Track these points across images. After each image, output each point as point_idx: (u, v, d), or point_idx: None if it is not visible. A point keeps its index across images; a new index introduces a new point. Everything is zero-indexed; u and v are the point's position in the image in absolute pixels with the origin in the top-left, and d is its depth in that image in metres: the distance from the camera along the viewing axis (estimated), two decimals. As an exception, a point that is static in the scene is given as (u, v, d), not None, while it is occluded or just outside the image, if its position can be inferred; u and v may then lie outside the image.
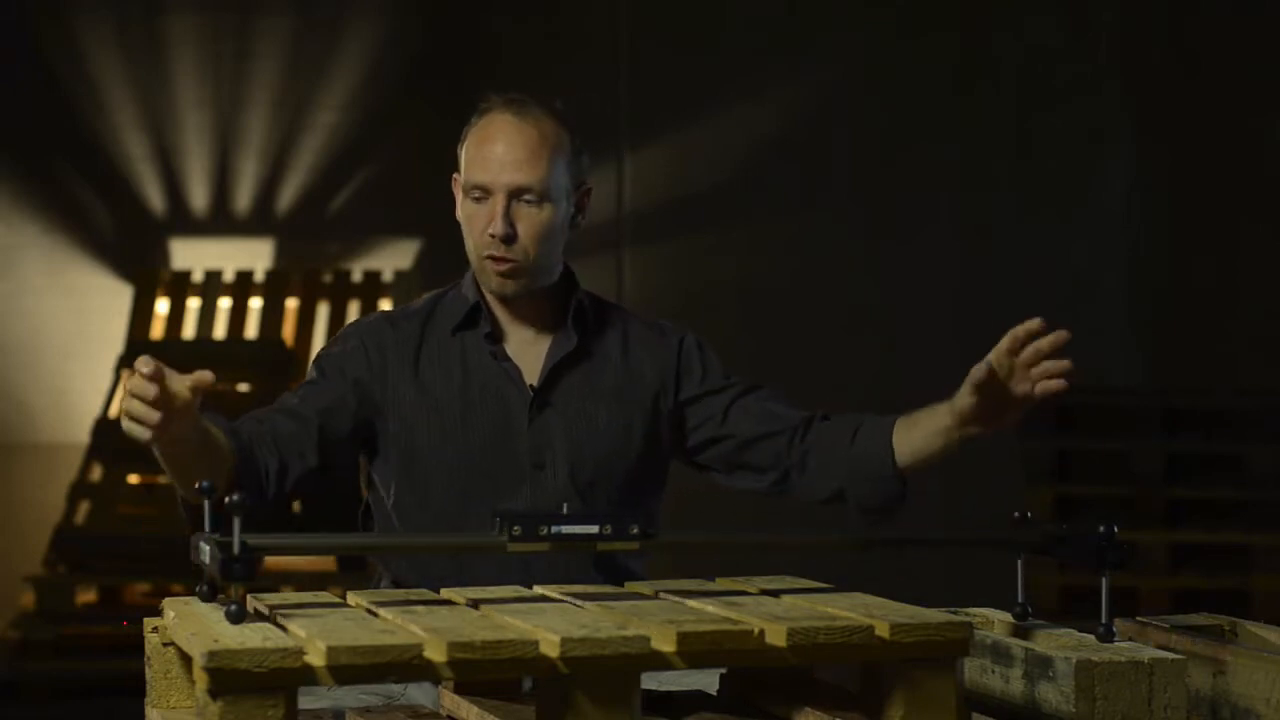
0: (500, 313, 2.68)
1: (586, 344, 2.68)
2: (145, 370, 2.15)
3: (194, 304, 6.69)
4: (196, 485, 1.98)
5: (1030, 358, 2.39)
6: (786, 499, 2.73)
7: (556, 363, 2.65)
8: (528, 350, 2.67)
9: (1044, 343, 2.38)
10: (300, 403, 2.60)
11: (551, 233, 2.62)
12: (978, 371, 2.40)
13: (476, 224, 2.63)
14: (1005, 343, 2.39)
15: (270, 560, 5.69)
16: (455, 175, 2.70)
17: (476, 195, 2.62)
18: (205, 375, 2.19)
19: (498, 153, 2.60)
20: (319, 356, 2.68)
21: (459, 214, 2.68)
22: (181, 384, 2.19)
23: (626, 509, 2.54)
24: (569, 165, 2.64)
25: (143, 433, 2.19)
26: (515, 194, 2.60)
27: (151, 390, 2.16)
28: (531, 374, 2.65)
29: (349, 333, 2.70)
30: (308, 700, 2.19)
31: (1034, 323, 2.38)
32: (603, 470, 2.63)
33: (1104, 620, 2.09)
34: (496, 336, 2.67)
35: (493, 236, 2.60)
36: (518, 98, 2.65)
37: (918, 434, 2.57)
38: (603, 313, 2.74)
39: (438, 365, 2.64)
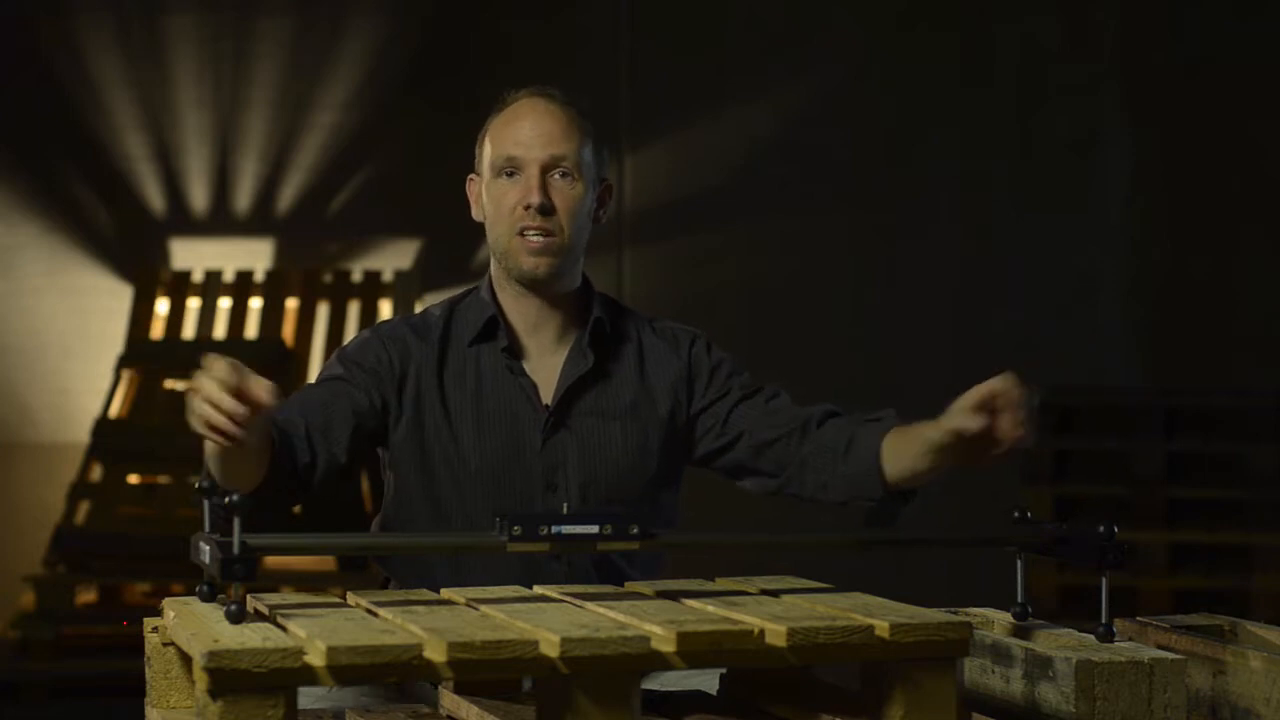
0: (518, 322, 2.62)
1: (602, 363, 2.62)
2: (229, 380, 2.05)
3: (194, 304, 6.67)
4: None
5: (1002, 406, 2.33)
6: (796, 500, 2.68)
7: (571, 384, 2.60)
8: (545, 363, 2.62)
9: (1009, 396, 2.32)
10: (332, 397, 2.53)
11: (582, 211, 2.58)
12: (948, 423, 2.35)
13: (508, 200, 2.56)
14: (973, 399, 2.33)
15: (270, 560, 5.69)
16: (471, 176, 2.65)
17: (508, 171, 2.56)
18: (272, 385, 2.10)
19: (528, 128, 2.57)
20: (340, 355, 2.60)
21: (480, 210, 2.62)
22: (260, 389, 2.09)
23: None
24: (594, 152, 2.61)
25: (222, 443, 2.10)
26: (548, 167, 2.56)
27: (239, 409, 2.06)
28: (547, 389, 2.60)
29: (371, 338, 2.62)
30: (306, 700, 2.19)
31: (997, 383, 2.33)
32: (616, 491, 2.58)
33: (1104, 620, 2.09)
34: (514, 350, 2.61)
35: (528, 208, 2.54)
36: (540, 87, 2.62)
37: (908, 452, 2.49)
38: (620, 326, 2.67)
39: (455, 381, 2.59)
